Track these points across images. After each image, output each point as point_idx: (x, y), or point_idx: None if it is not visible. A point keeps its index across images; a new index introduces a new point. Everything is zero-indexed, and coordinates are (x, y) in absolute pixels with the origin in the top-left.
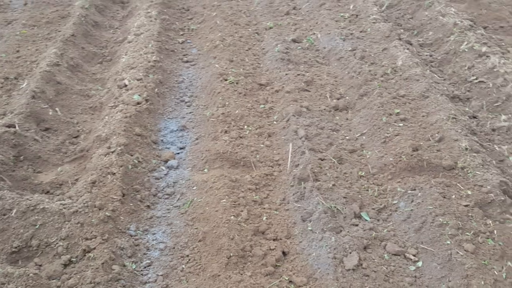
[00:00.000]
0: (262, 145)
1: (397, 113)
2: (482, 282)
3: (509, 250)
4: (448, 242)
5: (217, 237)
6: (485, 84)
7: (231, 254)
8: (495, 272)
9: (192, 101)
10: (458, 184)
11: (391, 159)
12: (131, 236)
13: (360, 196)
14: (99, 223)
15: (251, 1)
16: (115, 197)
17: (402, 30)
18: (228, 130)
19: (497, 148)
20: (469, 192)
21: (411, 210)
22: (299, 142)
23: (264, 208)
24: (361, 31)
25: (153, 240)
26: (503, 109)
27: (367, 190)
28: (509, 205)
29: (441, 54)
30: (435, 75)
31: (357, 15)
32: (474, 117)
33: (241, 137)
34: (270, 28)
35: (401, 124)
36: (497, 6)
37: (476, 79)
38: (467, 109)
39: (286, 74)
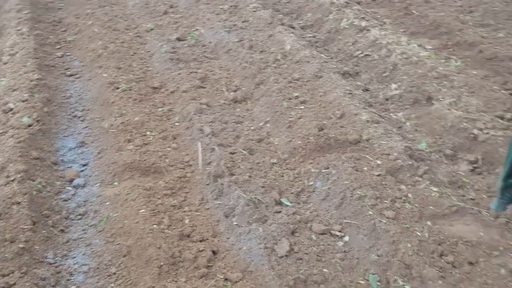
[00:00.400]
0: (169, 149)
1: (296, 96)
2: (409, 245)
3: (425, 210)
4: (370, 213)
5: (143, 249)
6: (370, 57)
7: (162, 263)
8: (417, 233)
9: (86, 115)
10: (367, 156)
11: (299, 142)
12: (51, 264)
13: (277, 183)
14: (14, 257)
15: (125, 4)
16: (25, 227)
17: (281, 15)
18: (131, 139)
19: (393, 116)
20: (379, 162)
21: (329, 188)
22: (206, 140)
23: (185, 211)
24: (243, 21)
25: (74, 264)
26: (392, 78)
27: (282, 176)
28: (417, 168)
29: (324, 34)
30: (323, 55)
31: (236, 6)
32: (367, 90)
33: (146, 144)
34: (151, 29)
35: (302, 107)
36: None
37: (362, 53)
38: (358, 83)
39: (179, 74)
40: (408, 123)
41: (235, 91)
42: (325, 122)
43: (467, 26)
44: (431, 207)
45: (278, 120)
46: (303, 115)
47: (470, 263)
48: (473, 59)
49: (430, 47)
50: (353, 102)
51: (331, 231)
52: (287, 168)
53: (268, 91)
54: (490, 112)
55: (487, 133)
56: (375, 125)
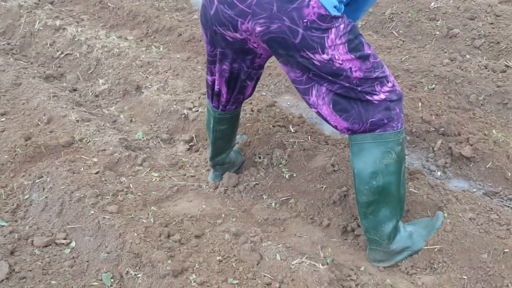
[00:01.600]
0: None
1: None
2: (135, 234)
3: (148, 196)
4: (92, 212)
5: None
6: (72, 55)
7: None
8: (143, 220)
9: None
10: (82, 156)
11: (6, 156)
12: None
13: None
14: None
15: None
16: None
17: None
18: None
19: (106, 111)
20: (96, 160)
21: (46, 197)
22: None
23: None
24: None
25: None
26: (98, 74)
27: None
28: (135, 157)
29: (19, 40)
30: (21, 62)
31: None
32: (75, 90)
33: None
34: None
35: (3, 119)
36: None
37: (62, 53)
38: (64, 84)
39: None
40: (122, 116)
41: None
42: (32, 130)
43: (163, 12)
44: (153, 192)
45: None
46: (6, 127)
47: (197, 236)
48: (173, 43)
49: (131, 38)
50: (60, 104)
51: (56, 241)
52: None
53: None
54: (196, 91)
55: (196, 111)
56: (87, 123)
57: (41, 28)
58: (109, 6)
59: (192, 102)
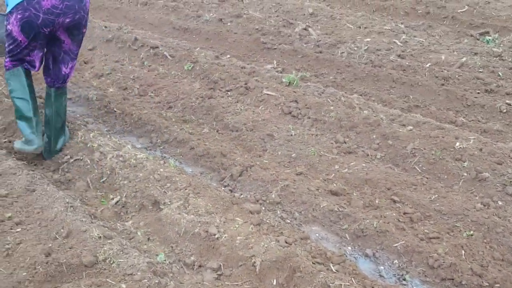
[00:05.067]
0: None
1: (9, 217)
2: None
3: None
4: None
5: None
6: (82, 161)
7: None
8: None
9: None
10: (108, 280)
11: (24, 273)
12: None
13: None
14: None
15: None
16: None
17: None
18: None
19: (120, 226)
20: (124, 286)
21: None
22: None
23: None
24: None
25: None
26: (111, 184)
27: None
28: (165, 285)
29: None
30: (24, 163)
31: None
32: (82, 200)
33: None
34: None
35: (19, 229)
36: None
37: (71, 158)
38: (74, 193)
39: None
40: (139, 233)
41: None
42: (50, 245)
43: (171, 122)
44: None
45: None
46: (23, 239)
47: None
48: (185, 156)
49: (139, 146)
50: (78, 217)
51: None
52: None
53: None
54: (220, 213)
55: (223, 236)
56: (109, 241)
57: None
58: (115, 111)
59: (216, 226)
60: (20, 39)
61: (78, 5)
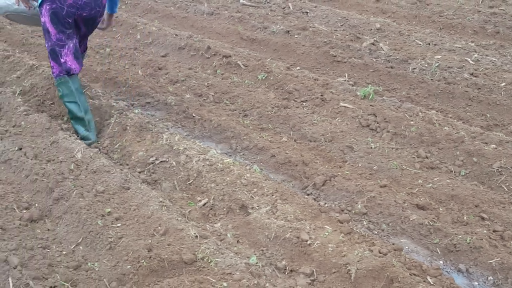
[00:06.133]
0: None
1: (109, 212)
2: None
3: None
4: None
5: None
6: (168, 163)
7: None
8: None
9: None
10: (209, 277)
11: (128, 266)
12: None
13: None
14: None
15: None
16: None
17: (61, 121)
18: None
19: (209, 227)
20: (225, 284)
21: None
22: (16, 273)
23: None
24: (14, 126)
25: None
26: (197, 186)
27: None
28: (263, 286)
29: (107, 138)
30: (113, 161)
31: (0, 109)
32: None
33: None
34: None
35: (119, 224)
36: None
37: (157, 159)
38: (161, 192)
39: None
40: (228, 234)
41: (27, 208)
42: (150, 241)
43: (249, 129)
44: None
45: (94, 241)
46: (124, 234)
47: None
48: (266, 163)
49: (219, 151)
50: (173, 215)
51: None
52: None
53: (74, 207)
54: (309, 220)
55: (315, 242)
56: (205, 240)
57: (134, 130)
58: (193, 116)
59: (307, 233)
60: (51, 30)
61: (95, 2)
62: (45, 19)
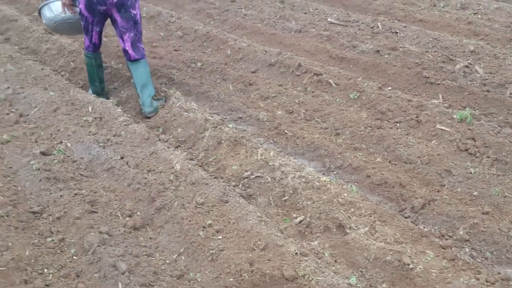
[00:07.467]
0: None
1: (209, 224)
2: None
3: None
4: None
5: None
6: (263, 178)
7: None
8: None
9: None
10: None
11: (231, 279)
12: None
13: None
14: None
15: None
16: None
17: (159, 131)
18: (27, 280)
19: (306, 244)
20: None
21: None
22: (124, 279)
23: None
24: (114, 135)
25: None
26: (292, 203)
27: None
28: None
29: (201, 151)
30: (207, 172)
31: (101, 118)
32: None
33: (47, 286)
34: (8, 141)
35: (220, 237)
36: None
37: (252, 174)
38: (257, 207)
39: (61, 196)
40: (326, 253)
41: (130, 216)
42: (250, 255)
43: (344, 148)
44: None
45: (196, 251)
46: (225, 246)
47: None
48: (360, 184)
49: (312, 169)
50: (272, 231)
51: None
52: None
53: (176, 217)
54: (410, 244)
55: (417, 267)
56: (305, 258)
57: (229, 144)
58: (286, 133)
59: (409, 256)
60: (86, 15)
61: None
62: (81, 6)
